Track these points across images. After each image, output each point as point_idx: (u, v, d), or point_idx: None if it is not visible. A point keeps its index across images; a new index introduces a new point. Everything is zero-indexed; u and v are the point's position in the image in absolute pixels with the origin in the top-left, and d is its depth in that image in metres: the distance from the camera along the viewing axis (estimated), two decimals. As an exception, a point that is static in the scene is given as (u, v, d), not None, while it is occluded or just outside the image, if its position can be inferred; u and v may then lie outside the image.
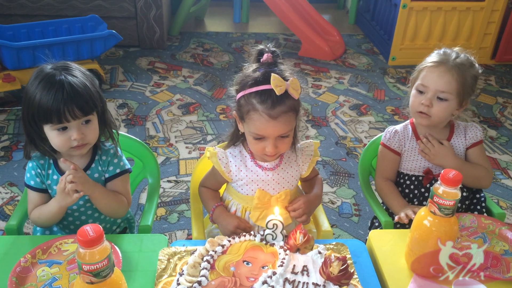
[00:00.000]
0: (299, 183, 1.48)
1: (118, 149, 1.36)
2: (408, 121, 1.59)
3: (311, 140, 1.39)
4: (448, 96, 1.43)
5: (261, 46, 1.26)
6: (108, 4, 3.65)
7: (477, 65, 1.49)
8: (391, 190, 1.54)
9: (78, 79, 1.20)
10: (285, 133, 1.22)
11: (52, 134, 1.20)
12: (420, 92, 1.47)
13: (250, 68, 1.23)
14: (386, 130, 1.59)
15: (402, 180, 1.57)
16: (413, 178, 1.54)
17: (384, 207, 1.58)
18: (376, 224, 1.64)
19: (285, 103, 1.17)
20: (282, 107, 1.17)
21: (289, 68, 1.24)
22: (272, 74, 1.16)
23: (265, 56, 1.22)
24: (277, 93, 1.15)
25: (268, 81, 1.16)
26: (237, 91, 1.24)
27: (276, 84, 1.15)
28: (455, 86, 1.43)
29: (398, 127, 1.58)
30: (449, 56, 1.46)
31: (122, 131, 1.53)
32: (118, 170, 1.34)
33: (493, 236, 1.27)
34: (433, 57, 1.49)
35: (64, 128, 1.20)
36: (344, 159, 2.70)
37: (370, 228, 1.67)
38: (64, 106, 1.16)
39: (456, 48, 1.51)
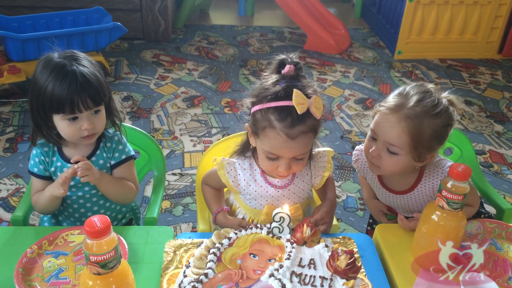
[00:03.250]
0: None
1: (122, 136, 1.37)
2: None
3: (325, 149, 1.30)
4: (398, 150, 1.22)
5: (283, 56, 1.16)
6: (113, -4, 3.63)
7: (451, 110, 1.22)
8: (363, 182, 1.52)
9: (88, 69, 1.21)
10: (301, 155, 1.14)
11: (63, 124, 1.21)
12: (373, 138, 1.27)
13: (270, 80, 1.14)
14: (355, 149, 1.46)
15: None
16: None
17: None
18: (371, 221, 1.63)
19: (305, 123, 1.09)
20: (302, 127, 1.09)
21: (312, 83, 1.16)
22: (295, 90, 1.06)
23: (287, 68, 1.12)
24: (299, 112, 1.06)
25: (289, 97, 1.07)
26: (253, 104, 1.15)
27: (298, 101, 1.06)
28: (406, 141, 1.20)
29: (360, 150, 1.43)
30: (408, 100, 1.21)
31: (127, 124, 1.53)
32: (123, 157, 1.34)
33: (502, 241, 1.24)
34: (391, 98, 1.25)
35: (75, 118, 1.20)
36: (349, 153, 2.69)
37: (371, 225, 1.64)
38: (78, 96, 1.17)
39: (431, 86, 1.25)
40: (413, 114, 1.19)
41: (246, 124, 1.20)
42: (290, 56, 1.15)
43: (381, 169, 1.28)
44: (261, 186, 1.25)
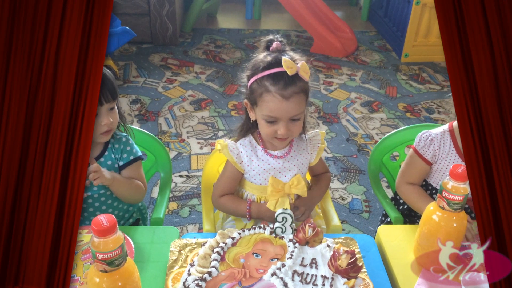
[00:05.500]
0: (309, 178, 1.50)
1: (129, 137, 1.41)
2: (447, 126, 1.41)
3: (317, 130, 1.43)
4: None
5: (270, 37, 1.30)
6: (122, 1, 3.68)
7: None
8: (420, 194, 1.43)
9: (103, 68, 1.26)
10: (297, 115, 1.24)
11: None
12: None
13: (260, 56, 1.27)
14: (420, 135, 1.43)
15: (429, 192, 1.46)
16: None
17: (393, 203, 1.58)
18: (388, 220, 1.64)
19: (296, 84, 1.21)
20: (294, 88, 1.21)
21: (297, 54, 1.29)
22: (283, 57, 1.21)
23: (275, 44, 1.26)
24: (289, 74, 1.19)
25: (279, 64, 1.20)
26: (249, 77, 1.28)
27: (287, 65, 1.19)
28: None
29: (434, 133, 1.41)
30: None
31: (135, 126, 1.56)
32: (131, 157, 1.38)
33: None
34: None
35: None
36: (355, 156, 2.70)
37: (382, 222, 1.65)
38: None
39: None
40: None
41: (245, 100, 1.30)
42: (276, 36, 1.30)
43: None
44: (262, 160, 1.34)
